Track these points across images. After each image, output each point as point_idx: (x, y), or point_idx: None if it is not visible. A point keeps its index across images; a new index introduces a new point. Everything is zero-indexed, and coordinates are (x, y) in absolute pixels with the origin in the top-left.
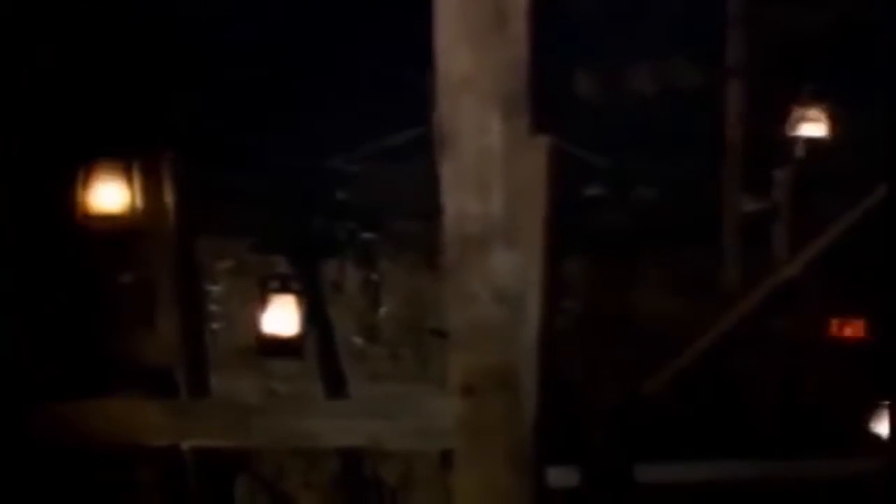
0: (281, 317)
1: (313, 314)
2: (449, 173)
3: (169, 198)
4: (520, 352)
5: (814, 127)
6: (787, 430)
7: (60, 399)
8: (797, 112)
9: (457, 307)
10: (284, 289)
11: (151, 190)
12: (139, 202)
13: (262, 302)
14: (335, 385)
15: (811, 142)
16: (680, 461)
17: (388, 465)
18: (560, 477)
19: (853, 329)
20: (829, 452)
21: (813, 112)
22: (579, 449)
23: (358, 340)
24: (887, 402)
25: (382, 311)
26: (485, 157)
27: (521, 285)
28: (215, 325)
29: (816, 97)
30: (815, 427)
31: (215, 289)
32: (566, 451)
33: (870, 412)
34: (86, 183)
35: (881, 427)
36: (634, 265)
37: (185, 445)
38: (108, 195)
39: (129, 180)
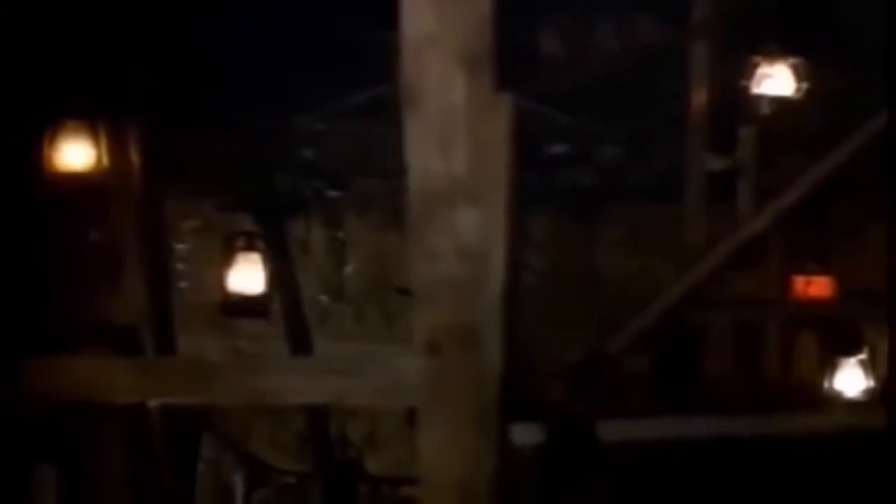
0: (247, 275)
1: (279, 273)
2: (413, 131)
3: (135, 157)
4: (484, 309)
5: (779, 84)
6: (750, 387)
7: (24, 357)
8: (762, 69)
9: (421, 265)
10: (250, 247)
11: (117, 149)
12: (105, 161)
13: (228, 260)
14: (300, 343)
15: (776, 99)
16: (643, 418)
17: (354, 424)
18: (524, 434)
19: (818, 287)
20: (792, 409)
21: (778, 69)
22: (543, 406)
23: (323, 299)
24: (850, 359)
25: (348, 269)
26: (449, 114)
27: (485, 242)
28: (182, 284)
29: (782, 54)
30: (778, 384)
31: (181, 248)
32: (530, 407)
33: (833, 369)
34: (52, 142)
35: (843, 384)
36: (598, 222)
37: (151, 403)
38: (75, 154)
39: (96, 140)
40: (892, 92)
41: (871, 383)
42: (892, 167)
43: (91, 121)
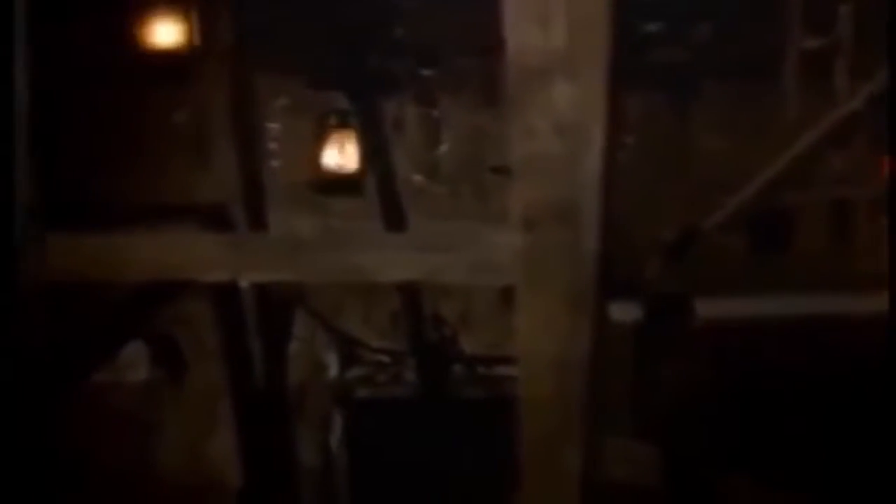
0: (340, 153)
1: (373, 151)
2: (511, 6)
3: (226, 34)
4: (581, 185)
5: None
6: (842, 266)
7: (115, 233)
8: None
9: (518, 141)
10: (344, 125)
11: (208, 26)
12: (196, 39)
13: (321, 138)
14: (394, 222)
15: None
16: (737, 296)
17: (448, 303)
18: (621, 311)
19: None
20: (883, 289)
21: None
22: (639, 283)
23: (418, 178)
24: None
25: (443, 148)
26: None
27: (582, 118)
28: (273, 163)
29: None
30: (870, 263)
31: (273, 126)
32: (626, 284)
33: None
34: (144, 20)
35: None
36: (692, 101)
37: (243, 281)
38: (166, 33)
39: (187, 18)
40: (893, 46)
41: None
42: (891, 117)
43: None
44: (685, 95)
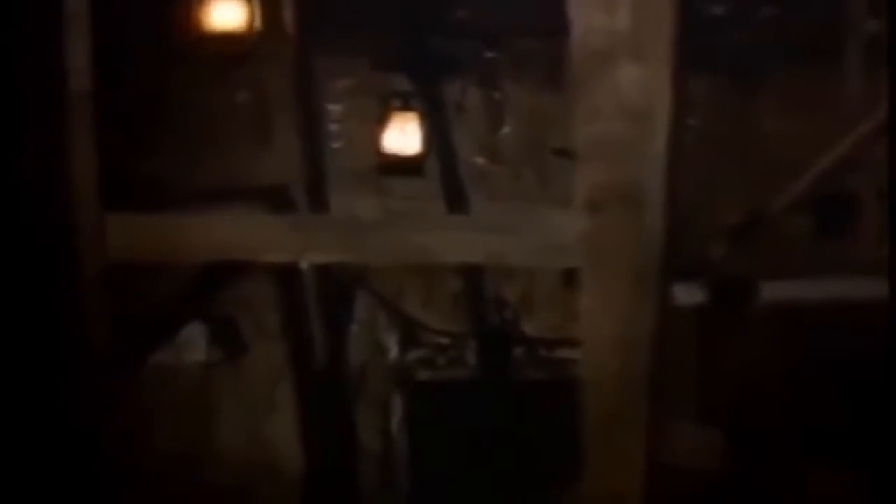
0: (402, 134)
1: (435, 133)
2: None
3: (288, 16)
4: (646, 167)
5: None
6: None
7: (175, 213)
8: None
9: (583, 123)
10: (406, 106)
11: (271, 9)
12: (258, 20)
13: (384, 119)
14: (456, 204)
15: None
16: (802, 279)
17: (510, 285)
18: (685, 294)
19: None
20: None
21: None
22: (703, 265)
23: (479, 160)
24: None
25: (505, 130)
26: None
27: (647, 100)
28: (335, 145)
29: None
30: None
31: (335, 108)
32: (690, 267)
33: None
34: (206, 2)
35: None
36: (757, 84)
37: (304, 263)
38: (227, 14)
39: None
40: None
41: None
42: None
43: None
44: (749, 78)
